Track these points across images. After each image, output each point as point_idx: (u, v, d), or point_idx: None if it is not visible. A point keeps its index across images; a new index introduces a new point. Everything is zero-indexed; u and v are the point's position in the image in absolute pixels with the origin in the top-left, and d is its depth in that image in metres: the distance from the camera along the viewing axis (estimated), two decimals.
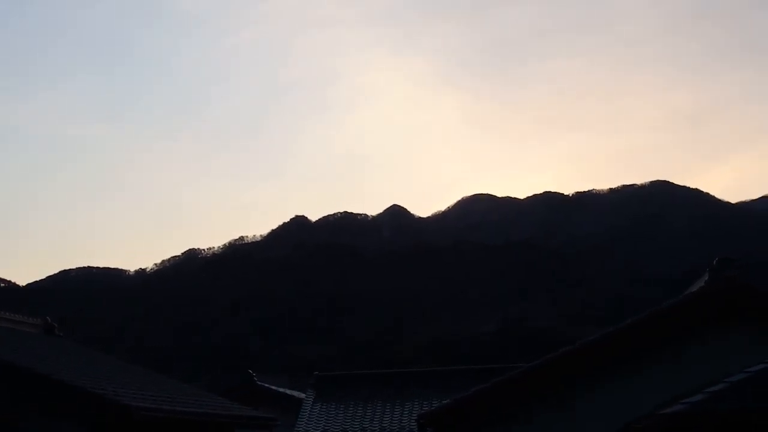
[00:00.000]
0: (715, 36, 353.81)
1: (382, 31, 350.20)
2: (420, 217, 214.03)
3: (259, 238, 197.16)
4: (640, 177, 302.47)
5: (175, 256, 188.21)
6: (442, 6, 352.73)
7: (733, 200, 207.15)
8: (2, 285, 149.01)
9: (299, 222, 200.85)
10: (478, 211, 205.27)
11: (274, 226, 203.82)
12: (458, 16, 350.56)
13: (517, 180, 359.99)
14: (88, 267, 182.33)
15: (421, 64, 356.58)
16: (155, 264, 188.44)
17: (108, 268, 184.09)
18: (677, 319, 15.85)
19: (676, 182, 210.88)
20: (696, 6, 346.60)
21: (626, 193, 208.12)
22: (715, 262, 16.13)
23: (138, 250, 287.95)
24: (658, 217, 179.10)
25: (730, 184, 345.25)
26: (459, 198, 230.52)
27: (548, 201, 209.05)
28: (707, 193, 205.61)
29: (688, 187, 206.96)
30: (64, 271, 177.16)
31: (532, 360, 16.58)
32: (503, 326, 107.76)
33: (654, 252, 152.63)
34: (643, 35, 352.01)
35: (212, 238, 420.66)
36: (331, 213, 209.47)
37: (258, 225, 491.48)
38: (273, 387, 32.34)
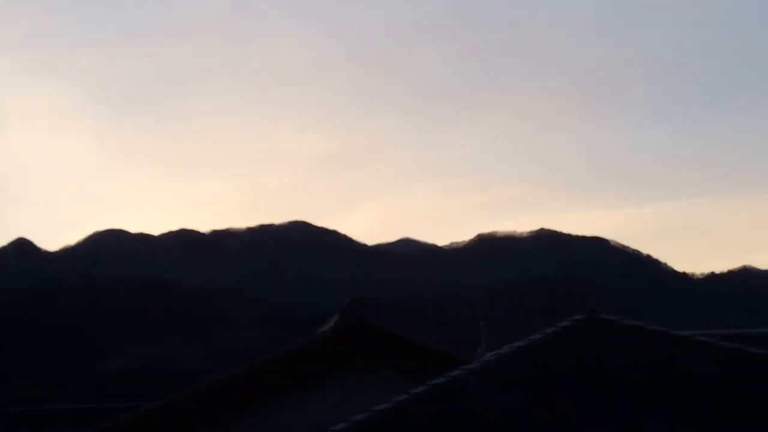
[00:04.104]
0: (359, 82, 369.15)
1: (18, 58, 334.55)
2: (48, 251, 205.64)
3: None
4: (279, 217, 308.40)
5: None
6: (84, 36, 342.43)
7: (370, 243, 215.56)
8: None
9: None
10: (110, 247, 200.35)
11: None
12: (101, 47, 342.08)
13: (153, 217, 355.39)
14: None
15: (58, 94, 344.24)
16: None
17: None
18: (305, 359, 15.90)
19: (314, 223, 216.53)
20: (341, 51, 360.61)
21: (263, 233, 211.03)
22: (346, 302, 16.39)
23: None
24: (295, 256, 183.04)
25: (368, 227, 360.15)
26: (91, 232, 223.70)
27: (184, 239, 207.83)
28: (345, 235, 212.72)
29: (326, 228, 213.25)
30: None
31: (161, 399, 16.05)
32: (134, 365, 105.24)
33: (290, 291, 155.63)
34: (288, 78, 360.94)
35: None
36: None
37: None
38: None
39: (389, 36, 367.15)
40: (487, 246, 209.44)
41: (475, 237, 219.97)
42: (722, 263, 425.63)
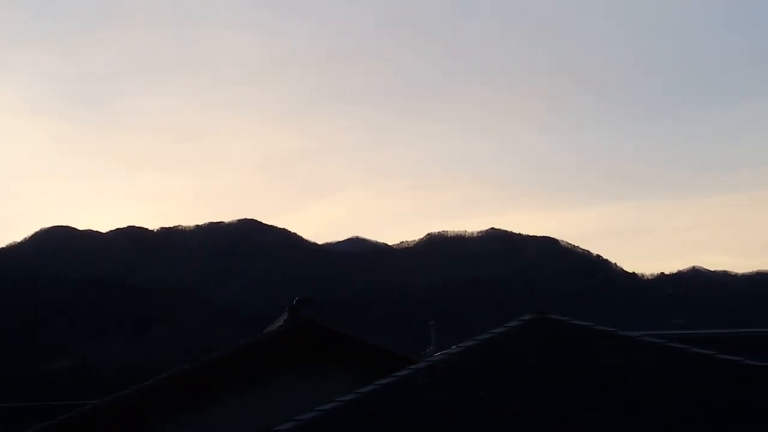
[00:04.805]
0: (311, 82, 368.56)
1: None
2: None
3: None
4: (228, 216, 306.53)
5: None
6: (33, 33, 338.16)
7: (320, 242, 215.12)
8: None
9: None
10: (57, 244, 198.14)
11: None
12: (48, 41, 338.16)
13: (101, 213, 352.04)
14: None
15: (6, 92, 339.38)
16: None
17: None
18: (251, 359, 15.75)
19: (264, 222, 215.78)
20: (297, 49, 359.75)
21: (212, 230, 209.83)
22: (294, 301, 16.25)
23: None
24: (244, 255, 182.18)
25: (317, 226, 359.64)
26: (37, 229, 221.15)
27: (132, 235, 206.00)
28: (295, 233, 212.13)
29: (276, 227, 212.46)
30: None
31: (106, 398, 15.85)
32: (80, 363, 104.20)
33: (239, 290, 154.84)
34: (240, 77, 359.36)
35: None
36: None
37: None
38: None
39: (343, 35, 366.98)
40: (437, 245, 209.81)
41: (425, 236, 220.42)
42: (672, 264, 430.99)
